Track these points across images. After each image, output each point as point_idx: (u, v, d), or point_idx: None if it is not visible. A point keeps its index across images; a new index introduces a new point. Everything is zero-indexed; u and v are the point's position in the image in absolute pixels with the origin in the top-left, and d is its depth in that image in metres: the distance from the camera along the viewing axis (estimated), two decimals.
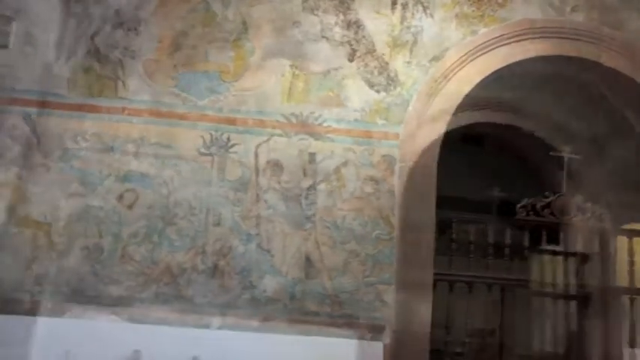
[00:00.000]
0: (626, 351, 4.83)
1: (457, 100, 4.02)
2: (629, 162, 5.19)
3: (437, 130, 4.01)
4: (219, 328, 3.66)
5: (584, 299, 5.22)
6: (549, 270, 5.49)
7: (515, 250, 5.02)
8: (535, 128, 5.62)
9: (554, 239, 5.73)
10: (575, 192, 5.16)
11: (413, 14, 4.16)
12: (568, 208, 4.46)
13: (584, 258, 5.33)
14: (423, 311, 3.71)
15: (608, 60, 4.23)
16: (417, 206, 3.83)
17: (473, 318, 5.01)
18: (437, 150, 4.00)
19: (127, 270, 3.71)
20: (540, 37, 4.17)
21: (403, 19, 4.15)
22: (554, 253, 5.55)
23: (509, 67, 4.27)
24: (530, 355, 5.41)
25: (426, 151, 3.95)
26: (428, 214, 3.86)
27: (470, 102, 4.51)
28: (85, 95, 3.90)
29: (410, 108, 4.04)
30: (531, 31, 4.16)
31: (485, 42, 4.14)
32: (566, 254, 5.44)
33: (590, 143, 5.41)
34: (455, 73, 4.09)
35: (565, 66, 4.52)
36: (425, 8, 4.16)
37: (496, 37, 4.14)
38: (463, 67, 4.09)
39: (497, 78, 4.31)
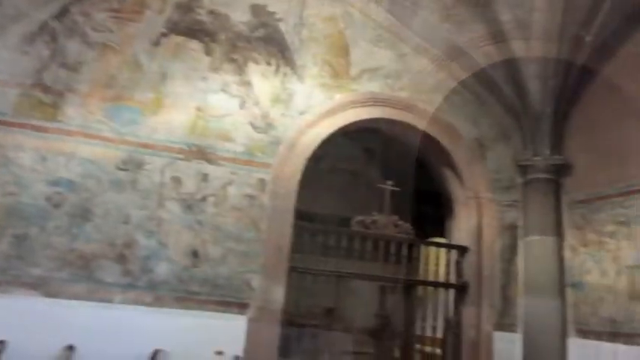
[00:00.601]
0: (494, 334, 5.70)
1: (316, 143, 5.49)
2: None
3: (299, 164, 5.40)
4: (121, 302, 4.49)
5: (461, 288, 5.90)
6: (433, 260, 6.20)
7: (404, 243, 5.70)
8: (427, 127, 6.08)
9: (441, 233, 6.56)
10: (458, 188, 6.15)
11: (290, 80, 5.63)
12: (387, 224, 5.83)
13: (463, 250, 5.99)
14: (278, 293, 4.94)
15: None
16: (280, 217, 5.17)
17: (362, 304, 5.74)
18: (298, 178, 5.35)
19: (48, 255, 4.38)
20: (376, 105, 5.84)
21: (282, 83, 5.59)
22: (440, 245, 6.32)
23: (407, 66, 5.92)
24: (413, 338, 5.97)
25: (289, 179, 5.32)
26: (287, 223, 5.18)
27: (371, 97, 5.67)
28: (29, 117, 4.57)
29: (281, 147, 5.40)
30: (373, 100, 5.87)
31: (339, 104, 5.71)
32: (449, 246, 6.16)
33: (475, 145, 6.21)
34: (316, 124, 5.55)
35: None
36: (299, 77, 5.67)
37: (347, 102, 5.76)
38: (322, 120, 5.60)
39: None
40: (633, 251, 5.27)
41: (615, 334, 5.28)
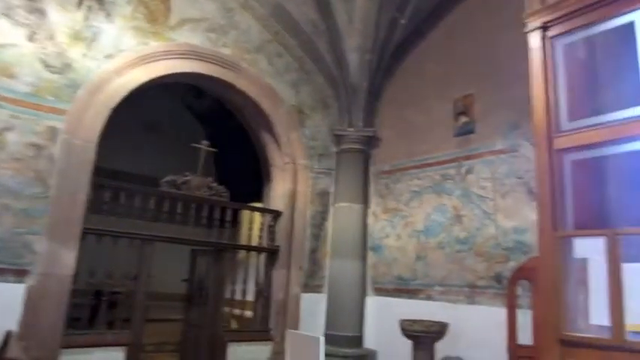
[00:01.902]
0: (302, 295, 5.95)
1: (124, 92, 4.87)
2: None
3: (102, 114, 4.74)
4: None
5: (272, 251, 5.95)
6: (248, 224, 6.13)
7: (216, 206, 5.47)
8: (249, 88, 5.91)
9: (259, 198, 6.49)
10: (276, 153, 6.11)
11: (96, 17, 4.91)
12: (200, 185, 5.56)
13: (277, 215, 6.09)
14: (68, 258, 4.36)
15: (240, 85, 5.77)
16: (75, 172, 4.50)
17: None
18: (99, 129, 4.71)
19: None
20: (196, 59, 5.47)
21: (86, 18, 4.84)
22: (253, 209, 6.23)
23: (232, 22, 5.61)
24: (224, 302, 5.73)
25: (89, 130, 4.64)
26: (84, 180, 4.53)
27: (190, 49, 5.23)
28: None
29: (80, 92, 4.68)
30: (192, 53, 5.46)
31: (154, 53, 5.18)
32: (263, 210, 6.13)
33: (295, 111, 6.31)
34: (125, 71, 4.95)
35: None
36: (107, 14, 4.97)
37: (163, 51, 5.26)
38: (133, 68, 5.01)
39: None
40: (422, 217, 5.95)
41: (402, 290, 5.96)
